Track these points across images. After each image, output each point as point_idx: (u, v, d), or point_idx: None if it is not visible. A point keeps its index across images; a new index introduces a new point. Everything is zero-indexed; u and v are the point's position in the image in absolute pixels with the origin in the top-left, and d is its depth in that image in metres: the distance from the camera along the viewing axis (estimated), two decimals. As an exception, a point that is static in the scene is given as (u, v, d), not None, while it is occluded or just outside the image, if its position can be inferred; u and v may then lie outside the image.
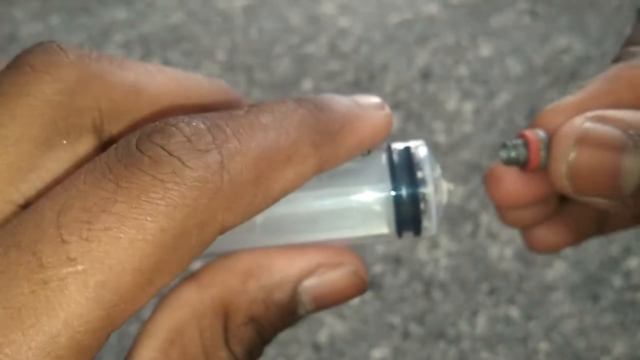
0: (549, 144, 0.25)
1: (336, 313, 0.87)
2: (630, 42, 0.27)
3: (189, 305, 0.21)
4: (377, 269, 0.91)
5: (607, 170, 0.23)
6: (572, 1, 1.23)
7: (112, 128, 0.21)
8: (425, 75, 1.14)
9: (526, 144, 0.25)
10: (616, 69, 0.25)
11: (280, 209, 0.21)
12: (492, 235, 0.92)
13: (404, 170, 0.22)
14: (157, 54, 1.22)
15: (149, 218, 0.16)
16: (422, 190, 0.22)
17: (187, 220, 0.16)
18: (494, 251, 0.91)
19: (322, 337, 0.86)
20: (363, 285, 0.23)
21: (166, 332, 0.21)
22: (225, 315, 0.22)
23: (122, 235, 0.16)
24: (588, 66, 1.11)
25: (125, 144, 0.17)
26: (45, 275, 0.15)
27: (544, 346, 0.84)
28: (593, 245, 0.91)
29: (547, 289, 0.88)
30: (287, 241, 0.22)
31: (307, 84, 1.15)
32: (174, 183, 0.16)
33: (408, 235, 0.23)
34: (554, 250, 0.30)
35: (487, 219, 0.93)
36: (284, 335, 0.82)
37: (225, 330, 0.21)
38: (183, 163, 0.17)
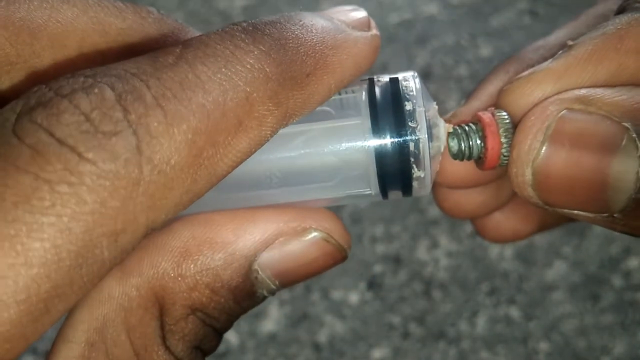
0: (514, 133, 0.18)
1: (336, 313, 0.87)
2: None
3: (112, 299, 0.16)
4: (377, 269, 0.91)
5: (589, 179, 0.17)
6: (572, 1, 1.23)
7: (4, 82, 0.16)
8: (425, 75, 1.14)
9: (482, 131, 0.18)
10: (618, 24, 0.18)
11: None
12: (492, 235, 0.92)
13: (389, 110, 0.17)
14: (157, 54, 1.22)
15: (32, 235, 0.11)
16: (413, 136, 0.17)
17: (91, 232, 0.12)
18: (494, 251, 0.91)
19: (322, 337, 0.86)
20: (338, 253, 0.18)
21: (85, 334, 0.16)
22: (159, 307, 0.17)
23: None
24: (588, 66, 1.11)
25: (1, 119, 0.12)
26: None
27: (544, 346, 0.84)
28: (593, 245, 0.91)
29: (547, 289, 0.88)
30: (242, 204, 0.17)
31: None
32: (67, 184, 0.12)
33: (395, 195, 0.18)
34: (510, 239, 0.24)
35: (487, 219, 0.93)
36: (284, 335, 0.82)
37: (162, 326, 0.17)
38: (79, 155, 0.12)
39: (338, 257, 0.18)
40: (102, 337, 0.16)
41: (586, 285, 0.88)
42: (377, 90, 0.17)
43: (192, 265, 0.17)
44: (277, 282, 0.18)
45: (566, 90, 0.18)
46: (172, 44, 0.16)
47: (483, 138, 0.18)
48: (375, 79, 0.18)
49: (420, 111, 0.17)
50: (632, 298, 0.87)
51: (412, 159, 0.17)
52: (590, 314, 0.86)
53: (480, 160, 0.19)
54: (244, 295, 0.17)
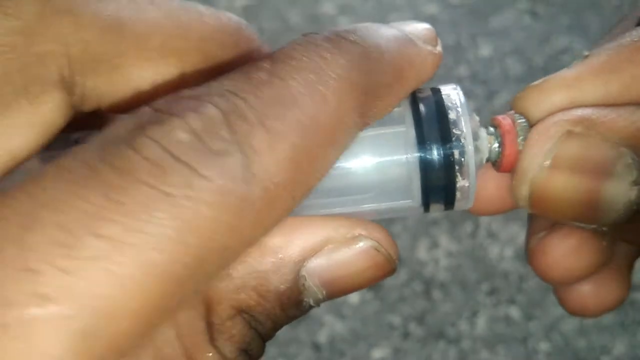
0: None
1: (336, 313, 0.87)
2: None
3: None
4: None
5: (582, 200, 0.17)
6: (572, 1, 1.23)
7: (87, 81, 0.16)
8: (425, 75, 1.14)
9: (501, 137, 0.19)
10: (635, 36, 0.18)
11: None
12: (492, 235, 0.92)
13: (433, 118, 0.17)
14: (157, 54, 1.22)
15: (153, 245, 0.11)
16: (458, 144, 0.16)
17: (205, 246, 0.12)
18: (494, 251, 0.91)
19: (322, 337, 0.86)
20: (388, 264, 0.18)
21: None
22: (206, 307, 0.17)
23: (115, 268, 0.11)
24: (588, 66, 1.11)
25: (111, 137, 0.12)
26: (5, 317, 0.11)
27: (544, 346, 0.84)
28: (593, 245, 0.91)
29: (547, 289, 0.88)
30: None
31: (307, 84, 1.15)
32: (186, 198, 0.12)
33: (437, 207, 0.18)
34: (603, 311, 0.22)
35: (487, 219, 0.93)
36: (284, 335, 0.82)
37: (210, 326, 0.17)
38: (196, 171, 0.12)
39: (387, 268, 0.18)
40: (151, 336, 0.16)
41: (586, 285, 0.88)
42: (420, 99, 0.17)
43: (240, 267, 0.16)
44: (324, 292, 0.17)
45: (573, 106, 0.18)
46: (249, 55, 0.16)
47: (502, 144, 0.18)
48: (418, 94, 0.18)
49: (465, 120, 0.17)
50: (632, 298, 0.87)
51: (457, 167, 0.17)
52: (590, 314, 0.86)
53: (495, 164, 0.19)
54: (291, 302, 0.17)
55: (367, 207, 0.17)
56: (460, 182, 0.17)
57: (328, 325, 0.87)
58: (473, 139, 0.17)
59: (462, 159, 0.17)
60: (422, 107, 0.17)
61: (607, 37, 0.21)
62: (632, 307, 0.86)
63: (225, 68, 0.15)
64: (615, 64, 0.18)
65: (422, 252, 0.92)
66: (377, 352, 0.85)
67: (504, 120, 0.19)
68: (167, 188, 0.12)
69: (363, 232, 0.17)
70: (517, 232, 0.92)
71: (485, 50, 1.18)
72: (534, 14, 1.22)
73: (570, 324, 0.85)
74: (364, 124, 0.15)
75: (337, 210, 0.17)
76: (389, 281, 0.90)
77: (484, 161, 0.18)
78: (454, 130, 0.17)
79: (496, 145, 0.18)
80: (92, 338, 0.11)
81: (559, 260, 0.21)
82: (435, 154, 0.16)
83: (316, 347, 0.85)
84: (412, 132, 0.17)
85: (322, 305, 0.17)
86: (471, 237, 0.92)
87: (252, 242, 0.13)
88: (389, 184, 0.17)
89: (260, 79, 0.14)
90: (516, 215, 0.95)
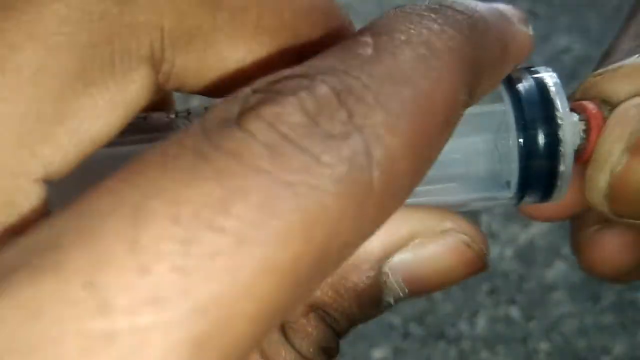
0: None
1: (336, 313, 0.87)
2: None
3: None
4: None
5: None
6: (572, 1, 1.23)
7: (177, 58, 0.14)
8: (425, 75, 1.14)
9: (587, 122, 0.17)
10: None
11: None
12: (492, 235, 0.92)
13: (536, 103, 0.15)
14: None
15: (277, 241, 0.10)
16: (560, 128, 0.15)
17: (328, 242, 0.11)
18: (494, 251, 0.91)
19: (322, 337, 0.86)
20: (480, 261, 0.16)
21: None
22: None
23: (236, 265, 0.10)
24: (588, 66, 1.11)
25: (216, 120, 0.11)
26: (113, 325, 0.09)
27: (544, 346, 0.84)
28: (593, 245, 0.91)
29: (547, 289, 0.88)
30: None
31: (307, 84, 1.15)
32: (309, 187, 0.10)
33: (532, 199, 0.16)
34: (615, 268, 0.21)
35: (487, 219, 0.93)
36: (284, 335, 0.82)
37: (283, 324, 0.15)
38: (316, 157, 0.11)
39: (479, 265, 0.16)
40: None
41: (586, 285, 0.88)
42: (516, 79, 0.16)
43: None
44: (406, 290, 0.16)
45: None
46: (341, 34, 0.15)
47: (587, 131, 0.17)
48: (513, 76, 0.16)
49: (563, 102, 0.16)
50: (632, 298, 0.87)
51: (561, 151, 0.15)
52: (590, 314, 0.86)
53: (577, 154, 0.17)
54: (369, 301, 0.16)
55: (457, 197, 0.16)
56: (562, 168, 0.15)
57: (328, 325, 0.87)
58: (571, 127, 0.16)
59: (562, 145, 0.15)
60: (521, 87, 0.16)
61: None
62: (632, 307, 0.86)
63: (316, 48, 0.13)
64: None
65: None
66: (377, 352, 0.85)
67: (589, 105, 0.17)
68: (288, 176, 0.10)
69: (453, 226, 0.16)
70: (517, 232, 0.92)
71: (485, 50, 1.18)
72: (534, 14, 1.22)
73: (570, 324, 0.85)
74: (470, 103, 0.13)
75: (424, 199, 0.16)
76: (389, 281, 0.90)
77: (575, 148, 0.17)
78: (557, 113, 0.15)
79: (581, 133, 0.17)
80: (209, 346, 0.10)
81: (612, 256, 0.20)
82: (539, 136, 0.15)
83: (316, 347, 0.85)
84: (511, 113, 0.15)
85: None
86: (471, 237, 0.92)
87: (368, 237, 0.12)
88: (482, 171, 0.16)
89: (368, 55, 0.12)
90: (516, 215, 0.95)
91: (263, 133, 0.11)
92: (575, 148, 0.16)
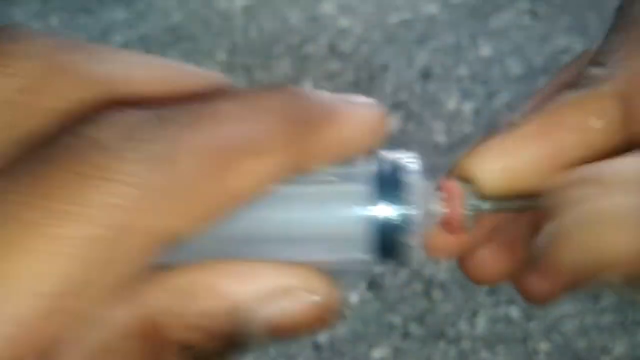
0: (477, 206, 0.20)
1: (336, 313, 0.87)
2: (593, 60, 0.21)
3: (114, 324, 0.16)
4: (377, 268, 0.91)
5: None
6: (572, 1, 1.23)
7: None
8: (425, 75, 1.14)
9: (445, 198, 0.20)
10: (566, 101, 0.20)
11: (239, 218, 0.17)
12: (492, 235, 0.92)
13: (391, 186, 0.18)
14: (157, 54, 1.22)
15: (72, 225, 0.12)
16: (410, 212, 0.18)
17: (126, 227, 0.13)
18: (494, 251, 0.91)
19: (322, 337, 0.86)
20: (331, 317, 0.18)
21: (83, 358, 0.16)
22: (155, 339, 0.17)
23: (33, 248, 0.12)
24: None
25: (53, 137, 0.14)
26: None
27: (544, 346, 0.84)
28: (593, 245, 0.91)
29: (547, 289, 0.88)
30: (239, 256, 0.18)
31: (307, 84, 1.15)
32: (105, 180, 0.13)
33: (389, 263, 0.19)
34: (496, 281, 0.24)
35: (487, 219, 0.93)
36: (284, 335, 0.82)
37: (157, 358, 0.17)
38: (120, 155, 0.13)
39: (330, 320, 0.18)
40: None
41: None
42: (379, 160, 0.19)
43: (192, 306, 0.17)
44: (266, 336, 0.18)
45: (515, 171, 0.20)
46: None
47: (447, 206, 0.20)
48: (378, 154, 0.19)
49: (419, 185, 0.18)
50: (632, 298, 0.87)
51: (409, 228, 0.18)
52: (590, 314, 0.86)
53: (441, 226, 0.21)
54: (237, 344, 0.18)
55: (318, 258, 0.18)
56: (411, 242, 0.18)
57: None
58: (425, 202, 0.19)
59: (413, 221, 0.18)
60: (379, 168, 0.18)
61: (548, 88, 0.23)
62: (632, 307, 0.86)
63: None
64: (544, 129, 0.20)
65: (422, 252, 0.92)
66: (377, 352, 0.85)
67: (448, 183, 0.20)
68: (90, 170, 0.13)
69: (306, 284, 0.18)
70: (517, 232, 0.92)
71: (485, 50, 1.18)
72: (534, 14, 1.22)
73: (570, 324, 0.85)
74: (294, 155, 0.16)
75: (292, 256, 0.18)
76: (389, 281, 0.90)
77: (433, 223, 0.20)
78: (408, 193, 0.18)
79: (442, 208, 0.20)
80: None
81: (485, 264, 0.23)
82: (388, 213, 0.18)
83: (316, 347, 0.85)
84: (369, 191, 0.18)
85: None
86: (471, 237, 0.92)
87: (175, 232, 0.14)
88: (341, 238, 0.18)
89: (199, 101, 0.15)
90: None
91: (78, 140, 0.13)
92: (432, 223, 0.20)
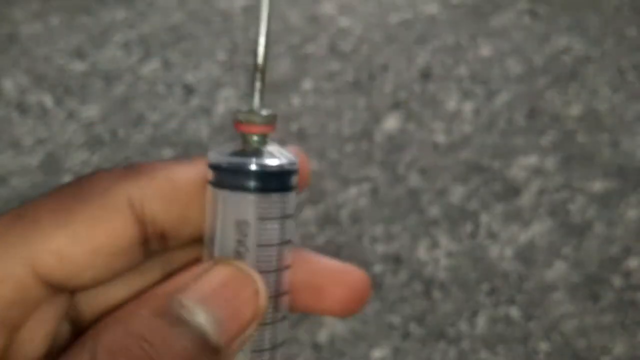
0: None
1: (336, 313, 0.87)
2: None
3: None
4: (377, 269, 0.91)
5: None
6: (572, 1, 1.23)
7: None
8: (425, 75, 1.14)
9: None
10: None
11: None
12: (492, 235, 0.92)
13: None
14: (157, 54, 1.22)
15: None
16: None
17: None
18: (494, 251, 0.91)
19: (322, 337, 0.86)
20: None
21: None
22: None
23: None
24: (588, 66, 1.11)
25: None
26: None
27: (544, 346, 0.84)
28: (593, 245, 0.91)
29: (547, 289, 0.88)
30: None
31: (307, 84, 1.15)
32: None
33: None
34: None
35: (487, 219, 0.93)
36: (284, 335, 0.82)
37: None
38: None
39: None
40: None
41: (586, 285, 0.88)
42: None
43: None
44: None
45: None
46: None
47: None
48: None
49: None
50: (632, 298, 0.87)
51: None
52: (590, 314, 0.86)
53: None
54: None
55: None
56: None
57: (328, 325, 0.87)
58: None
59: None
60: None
61: None
62: (632, 307, 0.86)
63: None
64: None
65: (422, 252, 0.92)
66: (377, 352, 0.85)
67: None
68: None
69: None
70: (517, 232, 0.93)
71: (485, 50, 1.18)
72: (534, 14, 1.22)
73: (570, 324, 0.85)
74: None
75: None
76: (389, 281, 0.90)
77: None
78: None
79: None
80: None
81: None
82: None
83: (316, 347, 0.85)
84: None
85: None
86: (471, 237, 0.92)
87: None
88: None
89: None
90: (516, 215, 0.95)
91: None
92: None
